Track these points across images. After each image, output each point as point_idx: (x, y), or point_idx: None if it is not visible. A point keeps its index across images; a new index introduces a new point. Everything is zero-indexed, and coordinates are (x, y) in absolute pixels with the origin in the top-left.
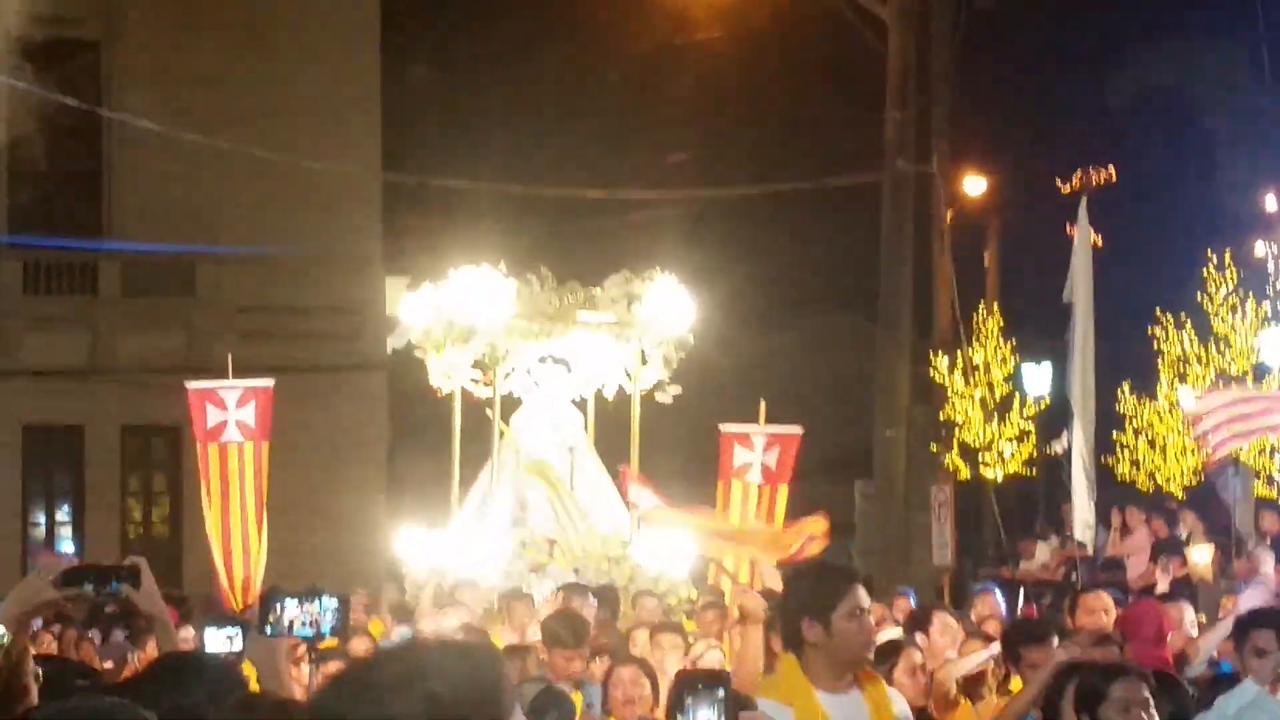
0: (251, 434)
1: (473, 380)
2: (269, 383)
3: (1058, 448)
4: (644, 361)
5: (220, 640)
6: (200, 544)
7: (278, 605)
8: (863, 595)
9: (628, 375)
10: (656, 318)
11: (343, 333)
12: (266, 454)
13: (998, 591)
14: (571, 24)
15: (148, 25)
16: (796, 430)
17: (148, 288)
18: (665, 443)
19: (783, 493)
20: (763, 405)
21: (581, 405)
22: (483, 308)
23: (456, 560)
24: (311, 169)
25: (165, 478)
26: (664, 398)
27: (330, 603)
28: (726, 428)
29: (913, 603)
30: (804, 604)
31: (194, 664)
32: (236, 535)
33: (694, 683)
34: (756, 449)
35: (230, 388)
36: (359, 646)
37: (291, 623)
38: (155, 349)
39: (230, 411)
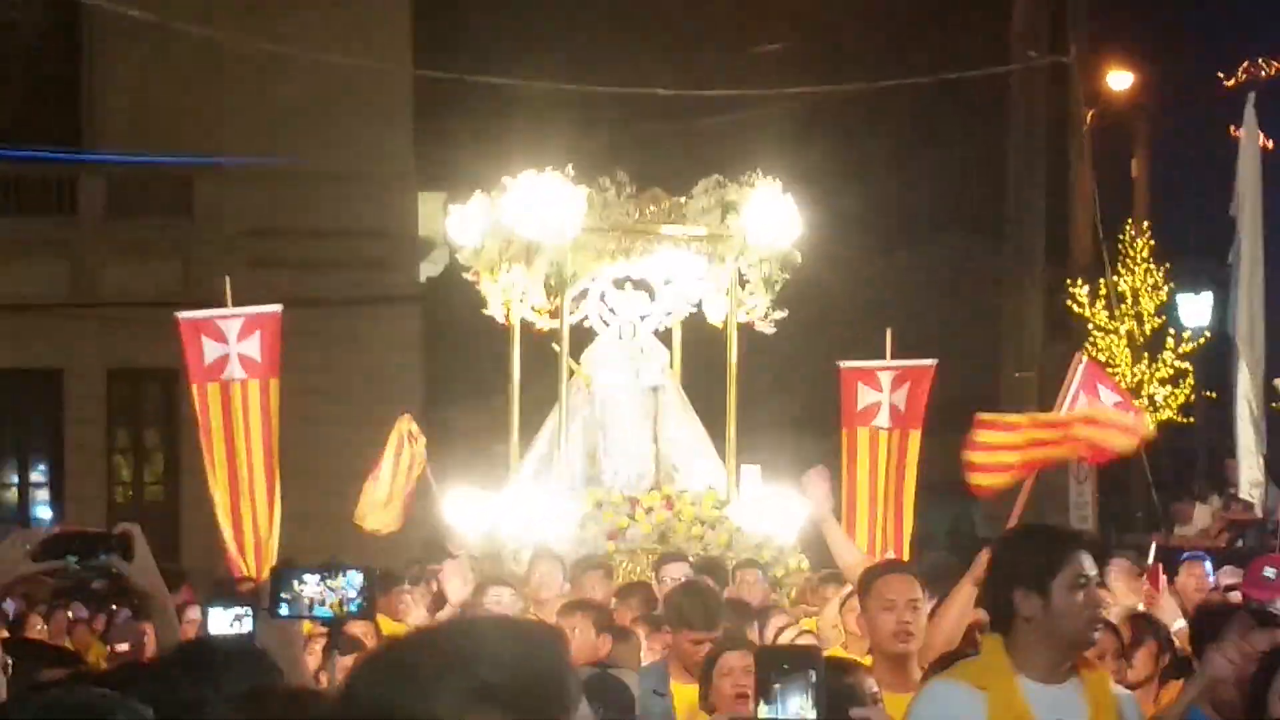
0: (258, 370)
1: (535, 309)
2: (275, 309)
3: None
4: (742, 285)
5: (226, 621)
6: (202, 509)
7: (294, 582)
8: (1089, 562)
9: (724, 300)
10: (757, 231)
11: (368, 260)
12: (276, 393)
13: (1208, 563)
14: None
15: None
16: (929, 363)
17: (136, 207)
18: (768, 383)
19: (914, 440)
20: (889, 335)
21: (666, 338)
22: (548, 220)
23: (521, 527)
24: (329, 65)
25: (158, 432)
26: (765, 328)
27: (355, 578)
28: (848, 364)
29: None
30: (1017, 571)
31: (210, 655)
32: (245, 492)
33: (779, 662)
34: (884, 387)
35: (230, 316)
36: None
37: (310, 602)
38: (145, 279)
39: (231, 345)
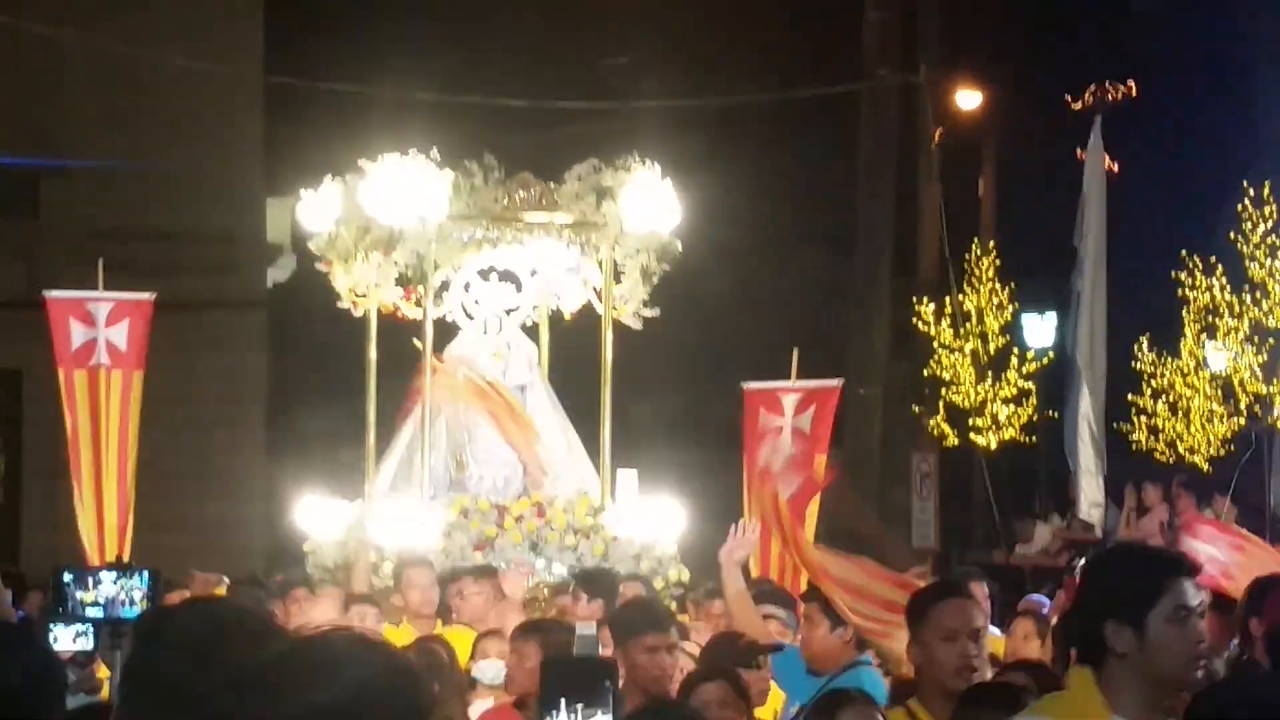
0: (124, 360)
1: (392, 301)
2: (147, 297)
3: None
4: (616, 277)
5: (69, 638)
6: (44, 512)
7: (82, 580)
8: (1191, 591)
9: (595, 293)
10: (634, 218)
11: (216, 264)
12: (139, 386)
13: (985, 582)
14: None
15: None
16: (835, 384)
17: None
18: (643, 381)
19: (819, 463)
20: (795, 355)
21: (534, 332)
22: (411, 206)
23: (381, 536)
24: (178, 68)
25: (1, 434)
26: (634, 323)
27: (144, 578)
28: (751, 386)
29: None
30: (1109, 600)
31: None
32: (111, 479)
33: (570, 673)
34: (787, 411)
35: (100, 300)
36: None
37: (83, 602)
38: None
39: (100, 329)
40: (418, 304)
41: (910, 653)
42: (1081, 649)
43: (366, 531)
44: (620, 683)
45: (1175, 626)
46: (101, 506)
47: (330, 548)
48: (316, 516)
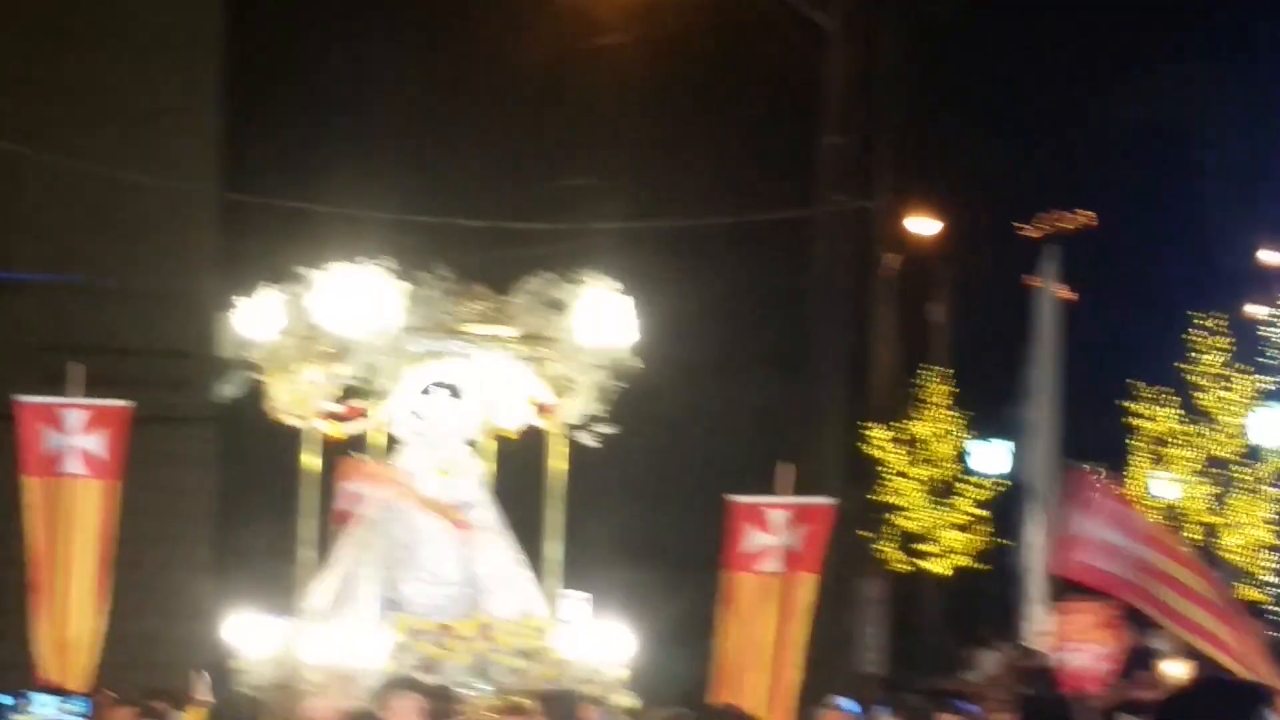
0: (102, 470)
1: (331, 414)
2: (124, 405)
3: None
4: (564, 392)
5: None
6: None
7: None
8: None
9: (538, 409)
10: (588, 332)
11: (167, 379)
12: (118, 497)
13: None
14: (457, 26)
15: None
16: (828, 502)
17: None
18: (592, 503)
19: (809, 585)
20: (779, 471)
21: (479, 449)
22: (363, 316)
23: (321, 656)
24: (130, 184)
25: None
26: (589, 440)
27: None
28: (738, 499)
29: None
30: None
31: None
32: (75, 600)
33: None
34: (777, 528)
35: (74, 406)
36: None
37: None
38: None
39: (73, 436)
40: (350, 419)
41: None
42: None
43: (300, 652)
44: None
45: None
46: (60, 624)
47: (263, 665)
48: (247, 633)
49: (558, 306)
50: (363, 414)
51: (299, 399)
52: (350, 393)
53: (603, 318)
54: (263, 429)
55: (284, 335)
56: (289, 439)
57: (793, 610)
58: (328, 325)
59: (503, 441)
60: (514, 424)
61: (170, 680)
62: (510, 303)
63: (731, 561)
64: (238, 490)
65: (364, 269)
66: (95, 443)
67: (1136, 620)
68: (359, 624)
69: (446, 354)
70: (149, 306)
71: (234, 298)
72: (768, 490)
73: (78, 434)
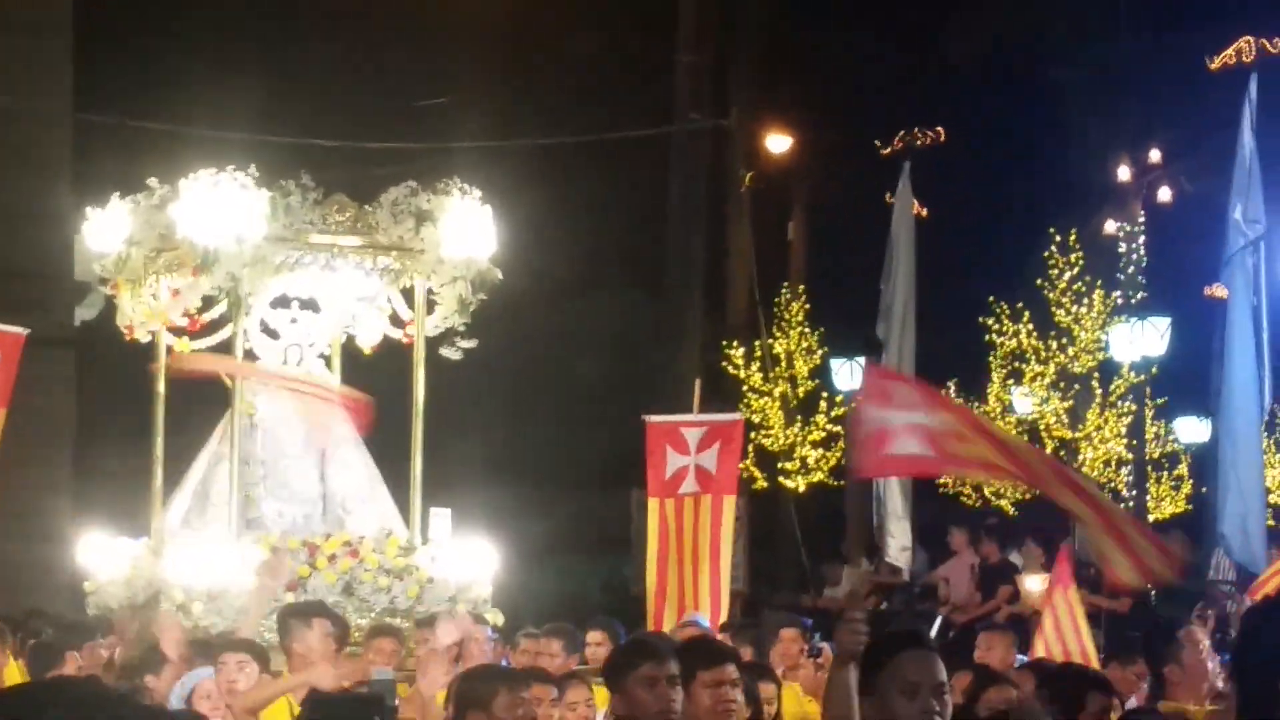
0: None
1: (180, 327)
2: (20, 331)
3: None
4: (428, 307)
5: None
6: None
7: None
8: None
9: (392, 323)
10: (452, 244)
11: (22, 302)
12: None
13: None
14: None
15: None
16: (737, 417)
17: None
18: (454, 418)
19: (730, 506)
20: (698, 386)
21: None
22: (225, 226)
23: (181, 574)
24: None
25: None
26: (453, 354)
27: None
28: (654, 419)
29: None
30: None
31: None
32: None
33: (336, 711)
34: (690, 447)
35: None
36: None
37: None
38: None
39: None
40: (192, 332)
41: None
42: (1248, 705)
43: (162, 571)
44: None
45: None
46: None
47: (114, 586)
48: (99, 554)
49: (420, 217)
50: (209, 327)
51: (150, 313)
52: (208, 304)
53: (464, 228)
54: (123, 356)
55: (133, 246)
56: (145, 358)
57: (717, 528)
58: (190, 234)
59: (362, 357)
60: (370, 339)
61: (36, 603)
62: (372, 213)
63: (656, 488)
64: (102, 412)
65: (226, 177)
66: None
67: (999, 537)
68: (221, 542)
69: (304, 266)
70: (3, 229)
71: (87, 211)
72: (625, 409)
73: None
